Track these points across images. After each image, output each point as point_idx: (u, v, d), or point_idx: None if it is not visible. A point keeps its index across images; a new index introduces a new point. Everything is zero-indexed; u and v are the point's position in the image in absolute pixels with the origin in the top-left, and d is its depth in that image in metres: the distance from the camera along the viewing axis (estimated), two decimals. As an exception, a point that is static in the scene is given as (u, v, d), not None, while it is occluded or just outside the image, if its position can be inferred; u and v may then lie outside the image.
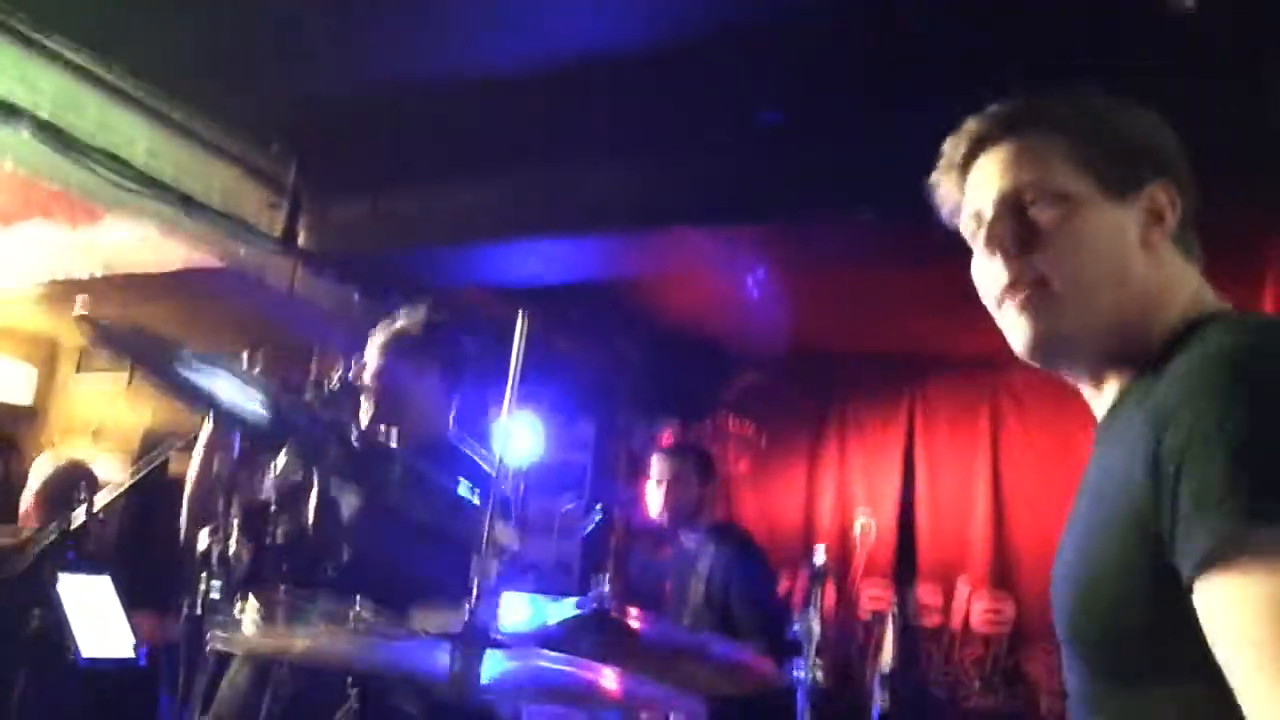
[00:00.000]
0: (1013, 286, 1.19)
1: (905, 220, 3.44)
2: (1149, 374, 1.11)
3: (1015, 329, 1.21)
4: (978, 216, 1.24)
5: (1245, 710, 0.91)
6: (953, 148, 1.28)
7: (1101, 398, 1.23)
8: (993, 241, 1.20)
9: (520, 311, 1.36)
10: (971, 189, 1.26)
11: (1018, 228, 1.18)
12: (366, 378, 2.67)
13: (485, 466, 2.63)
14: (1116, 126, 1.22)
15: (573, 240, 4.16)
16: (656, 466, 4.13)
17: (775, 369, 5.91)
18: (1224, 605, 0.92)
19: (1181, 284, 1.20)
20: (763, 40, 3.15)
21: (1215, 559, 0.92)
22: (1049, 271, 1.17)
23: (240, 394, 1.82)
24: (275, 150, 4.21)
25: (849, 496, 5.69)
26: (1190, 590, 0.95)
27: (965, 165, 1.27)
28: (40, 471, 4.03)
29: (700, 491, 4.06)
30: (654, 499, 4.09)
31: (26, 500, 4.14)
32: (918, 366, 5.54)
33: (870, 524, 5.30)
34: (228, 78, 3.75)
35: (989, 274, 1.22)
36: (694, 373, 6.10)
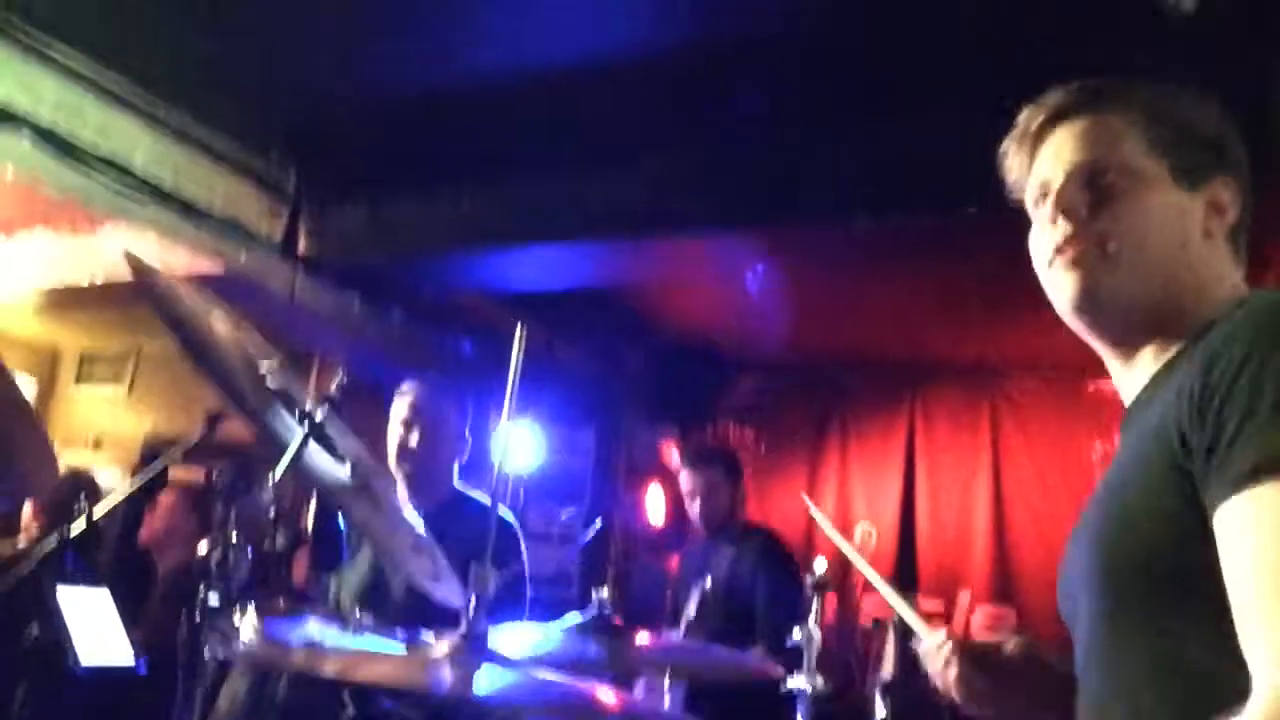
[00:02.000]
0: (1067, 242, 1.22)
1: (905, 225, 3.47)
2: (1189, 350, 1.14)
3: (1062, 283, 1.23)
4: (1045, 185, 1.26)
5: (1241, 632, 0.92)
6: (1029, 117, 1.31)
7: (1131, 373, 1.25)
8: (1060, 203, 1.22)
9: (519, 323, 1.36)
10: (1042, 159, 1.28)
11: (1087, 194, 1.22)
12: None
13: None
14: (1192, 118, 1.26)
15: (572, 247, 4.16)
16: (687, 480, 4.15)
17: (775, 376, 5.91)
18: (1245, 524, 0.94)
19: (1228, 279, 1.24)
20: (761, 45, 3.15)
21: (1243, 484, 0.95)
22: (1108, 233, 1.20)
23: (326, 455, 1.80)
24: (276, 157, 4.21)
25: (849, 504, 5.69)
26: (1214, 516, 0.97)
27: (1040, 135, 1.29)
28: None
29: (732, 496, 4.09)
30: (689, 510, 4.13)
31: (26, 511, 4.14)
32: (918, 374, 5.53)
33: (871, 532, 5.29)
34: (228, 85, 3.75)
35: (1047, 237, 1.24)
36: (694, 380, 6.10)
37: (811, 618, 2.80)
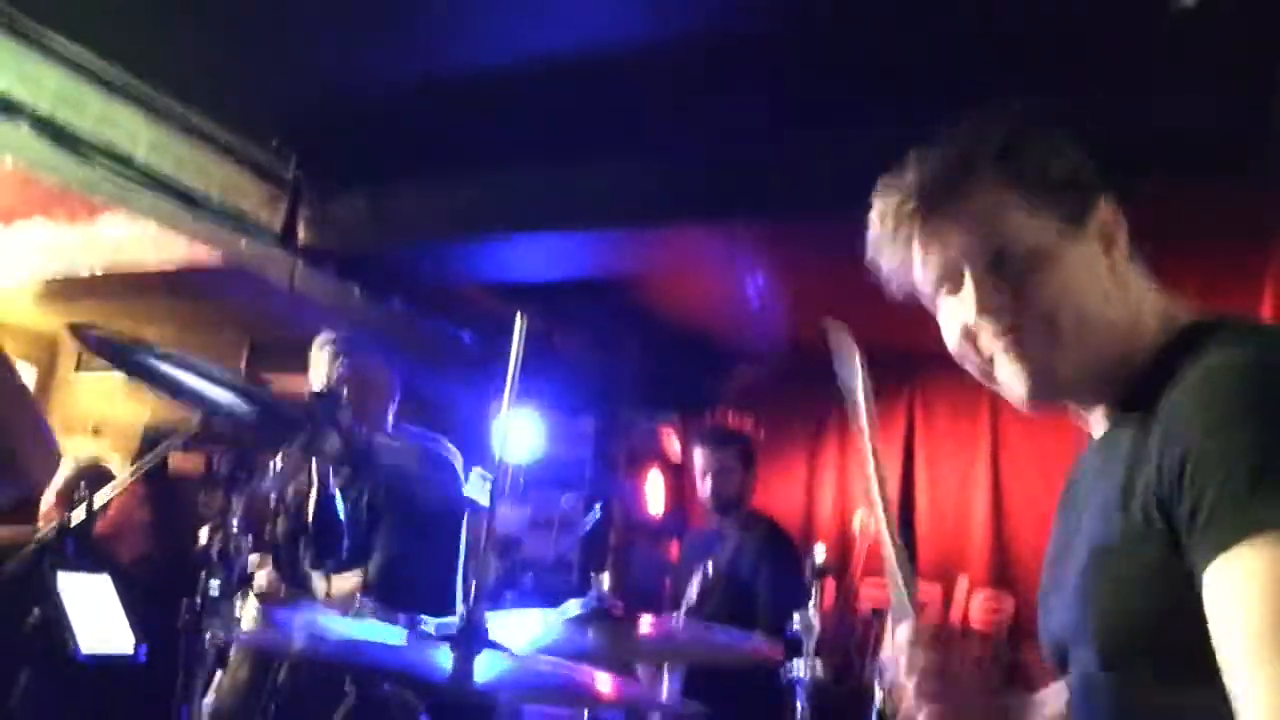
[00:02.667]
0: (1007, 336, 1.18)
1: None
2: (1146, 388, 1.12)
3: (1013, 385, 1.20)
4: (948, 279, 1.22)
5: (1232, 697, 0.93)
6: (891, 226, 1.25)
7: (1092, 416, 1.25)
8: (986, 300, 1.17)
9: (520, 313, 1.36)
10: (930, 258, 1.23)
11: (1002, 292, 1.17)
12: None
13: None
14: (1045, 162, 1.19)
15: (572, 236, 4.16)
16: (701, 458, 4.15)
17: (774, 364, 5.91)
18: (1229, 586, 0.95)
19: (1147, 299, 1.21)
20: (762, 36, 3.15)
21: (1225, 548, 0.95)
22: (1042, 325, 1.16)
23: (221, 390, 1.83)
24: (275, 146, 4.20)
25: (848, 492, 5.69)
26: (1200, 582, 0.98)
27: (910, 239, 1.24)
28: (61, 471, 4.03)
29: (742, 480, 4.10)
30: (699, 489, 4.14)
31: (48, 500, 4.16)
32: (917, 361, 5.53)
33: (870, 520, 5.30)
34: (228, 74, 3.75)
35: (981, 341, 1.20)
36: (693, 368, 6.11)
37: (811, 605, 2.82)
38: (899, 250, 1.25)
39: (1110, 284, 1.18)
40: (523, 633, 1.96)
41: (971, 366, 1.24)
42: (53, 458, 1.38)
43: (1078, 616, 1.15)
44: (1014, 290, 1.17)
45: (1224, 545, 0.95)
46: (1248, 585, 0.93)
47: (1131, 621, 1.08)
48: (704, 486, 4.12)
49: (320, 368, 3.00)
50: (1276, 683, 0.90)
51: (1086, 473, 1.28)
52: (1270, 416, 0.97)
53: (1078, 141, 1.23)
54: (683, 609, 3.94)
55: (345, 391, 2.67)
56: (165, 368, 1.79)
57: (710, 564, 3.97)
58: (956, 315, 1.22)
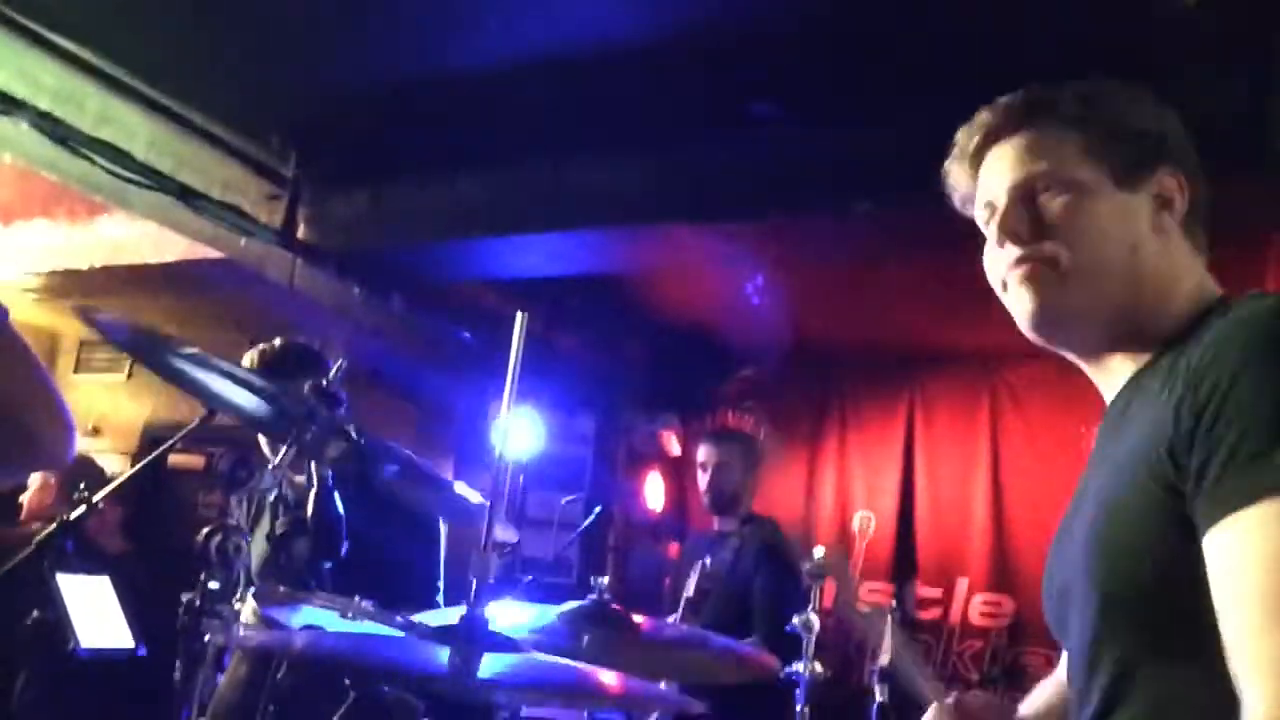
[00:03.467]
0: (1019, 261, 1.21)
1: (903, 213, 3.47)
2: (1169, 353, 1.12)
3: (1019, 302, 1.23)
4: (990, 206, 1.26)
5: (1231, 663, 0.91)
6: (965, 138, 1.30)
7: (1110, 378, 1.24)
8: (1004, 229, 1.22)
9: (520, 311, 1.36)
10: (984, 179, 1.28)
11: (1030, 216, 1.20)
12: None
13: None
14: (1126, 115, 1.24)
15: (572, 235, 4.15)
16: (703, 450, 4.14)
17: (775, 364, 5.91)
18: (1236, 547, 0.93)
19: (1189, 272, 1.22)
20: (762, 35, 3.14)
21: (1236, 506, 0.93)
22: (1059, 253, 1.18)
23: (235, 387, 1.83)
24: (275, 143, 4.20)
25: (848, 491, 5.69)
26: (1204, 538, 0.96)
27: (978, 155, 1.29)
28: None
29: (743, 480, 4.07)
30: (699, 483, 4.12)
31: (42, 496, 4.16)
32: (917, 362, 5.54)
33: (869, 519, 5.30)
34: (228, 71, 3.74)
35: (999, 259, 1.24)
36: (693, 367, 6.10)
37: (810, 605, 2.81)
38: (968, 168, 1.30)
39: (1150, 243, 1.19)
40: (518, 621, 1.96)
41: (995, 285, 1.27)
42: (67, 432, 1.37)
43: (1079, 577, 1.13)
44: (1040, 221, 1.20)
45: (1235, 504, 0.93)
46: (1257, 547, 0.91)
47: (1130, 584, 1.06)
48: (702, 481, 4.10)
49: None
50: None
51: (1101, 434, 1.26)
52: None
53: (1176, 118, 1.26)
54: (679, 610, 3.95)
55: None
56: (169, 357, 1.78)
57: (708, 563, 3.97)
58: (991, 244, 1.27)
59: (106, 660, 2.93)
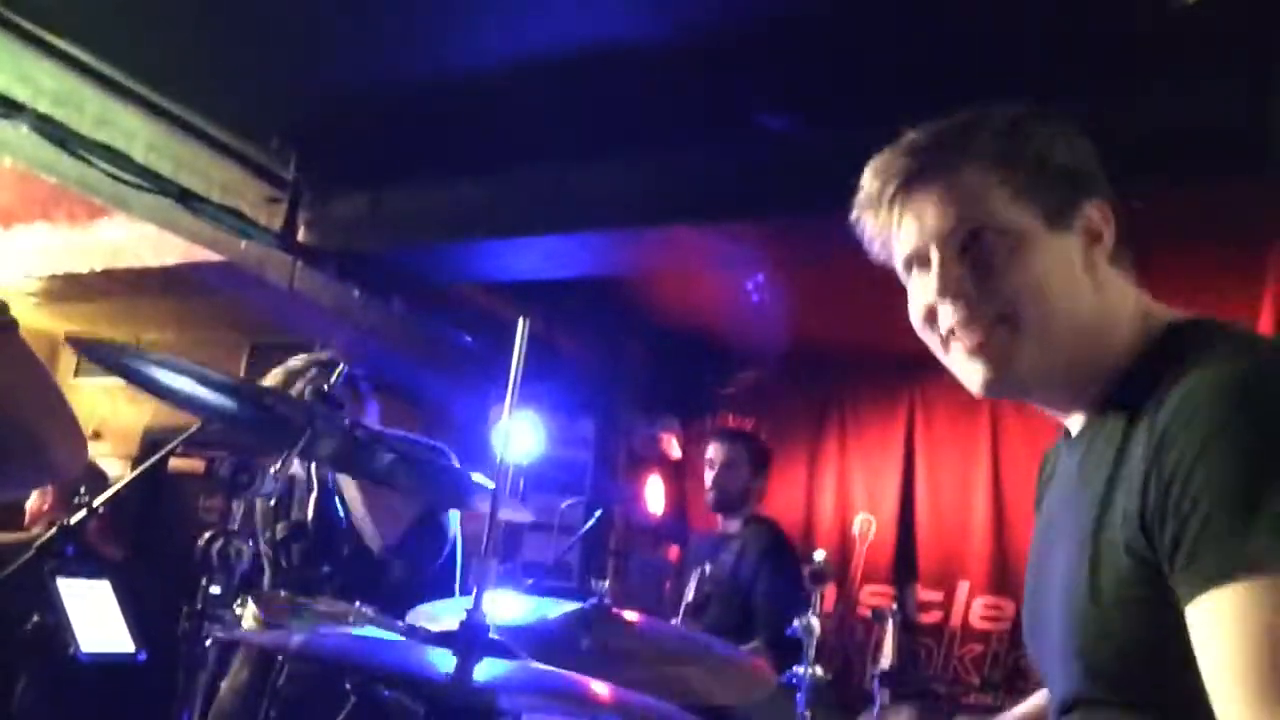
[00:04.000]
0: (966, 327, 1.15)
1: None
2: (1126, 390, 1.10)
3: (967, 371, 1.17)
4: (916, 254, 1.19)
5: None
6: (877, 183, 1.21)
7: (1067, 417, 1.23)
8: (947, 290, 1.14)
9: (522, 316, 1.36)
10: (905, 229, 1.19)
11: (972, 272, 1.14)
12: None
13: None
14: (1050, 150, 1.17)
15: (573, 237, 4.15)
16: (712, 448, 4.17)
17: (775, 367, 5.90)
18: (1217, 627, 0.92)
19: (1125, 301, 1.17)
20: (763, 36, 3.14)
21: (1209, 587, 0.92)
22: (1004, 310, 1.13)
23: (217, 394, 1.84)
24: (275, 145, 4.20)
25: (849, 494, 5.69)
26: (1185, 615, 0.95)
27: (894, 202, 1.20)
28: None
29: (749, 481, 4.08)
30: (705, 480, 4.14)
31: (35, 502, 4.15)
32: (917, 364, 5.50)
33: (870, 522, 5.30)
34: (228, 73, 3.74)
35: (940, 318, 1.17)
36: (694, 370, 6.10)
37: (811, 608, 2.81)
38: (882, 215, 1.22)
39: (1086, 284, 1.14)
40: (514, 613, 1.96)
41: (933, 346, 1.22)
42: (78, 444, 1.36)
43: (1059, 633, 1.11)
44: (981, 276, 1.13)
45: (1212, 581, 0.92)
46: (1237, 628, 0.90)
47: (1110, 647, 1.04)
48: (708, 478, 4.11)
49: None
50: None
51: (1061, 476, 1.24)
52: (1262, 439, 0.93)
53: (1089, 142, 1.21)
54: (680, 613, 3.94)
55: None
56: (160, 373, 1.78)
57: (709, 566, 3.97)
58: (921, 293, 1.20)
59: (106, 665, 2.93)
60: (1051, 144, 1.18)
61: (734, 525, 4.06)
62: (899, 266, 1.23)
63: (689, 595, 4.00)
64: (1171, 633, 0.96)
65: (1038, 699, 1.45)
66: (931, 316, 1.19)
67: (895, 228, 1.20)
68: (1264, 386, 0.97)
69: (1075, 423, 1.21)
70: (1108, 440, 1.10)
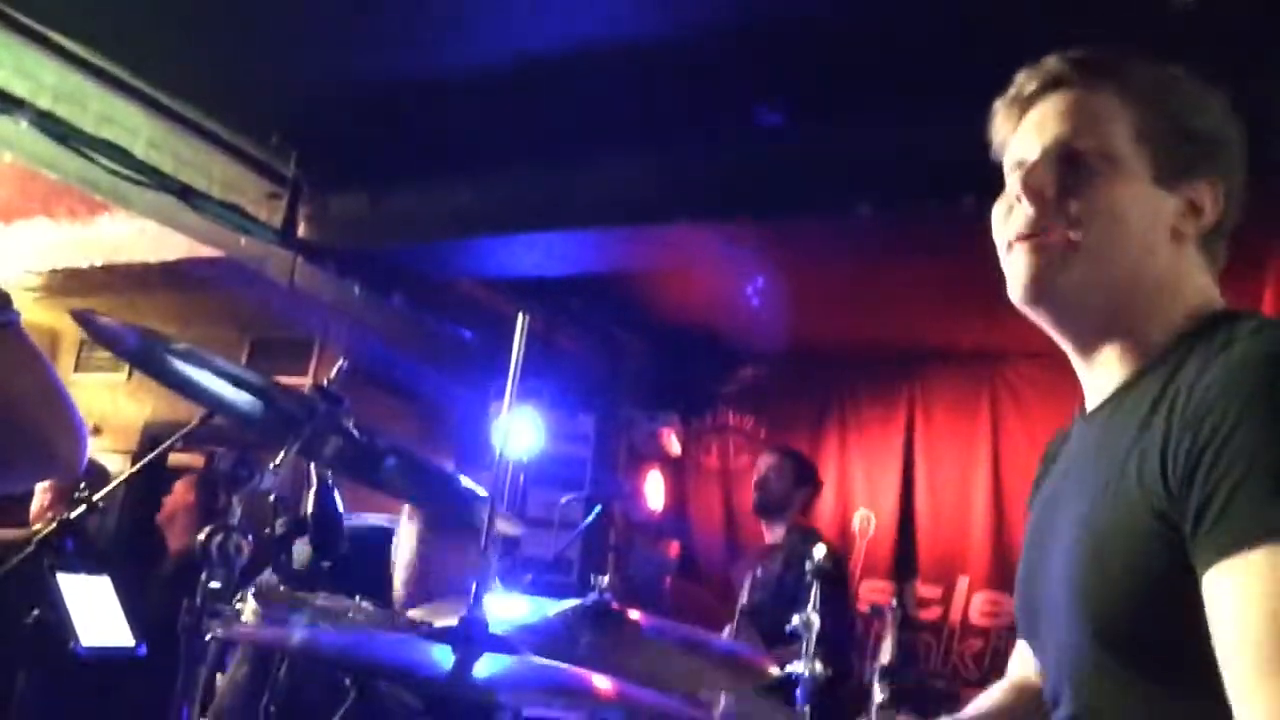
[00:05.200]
0: (1029, 227, 1.15)
1: (904, 214, 3.47)
2: (1161, 368, 1.09)
3: (1017, 267, 1.17)
4: (1022, 156, 1.20)
5: (1233, 704, 0.90)
6: (1023, 81, 1.23)
7: (1095, 374, 1.20)
8: (1028, 184, 1.16)
9: (521, 312, 1.36)
10: (1025, 128, 1.21)
11: (1059, 177, 1.15)
12: None
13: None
14: (1190, 110, 1.18)
15: (573, 234, 4.16)
16: (760, 459, 4.47)
17: (775, 364, 5.91)
18: (1236, 592, 0.91)
19: (1195, 282, 1.17)
20: (762, 34, 3.14)
21: (1236, 549, 0.91)
22: (1073, 221, 1.13)
23: (233, 388, 1.83)
24: (275, 142, 4.20)
25: (849, 490, 5.70)
26: (1203, 578, 0.94)
27: (1029, 101, 1.22)
28: None
29: (791, 491, 4.30)
30: (752, 486, 4.42)
31: (40, 500, 4.15)
32: (917, 361, 5.54)
33: (870, 518, 5.31)
34: (228, 71, 3.74)
35: (1012, 214, 1.18)
36: (694, 367, 6.11)
37: (811, 604, 2.81)
38: (1015, 112, 1.23)
39: (1165, 246, 1.14)
40: (513, 615, 1.96)
41: (999, 245, 1.21)
42: (81, 439, 1.36)
43: (1063, 599, 1.10)
44: (1066, 188, 1.14)
45: (1235, 547, 0.91)
46: (1257, 593, 0.89)
47: (1119, 612, 1.03)
48: (753, 482, 4.39)
49: None
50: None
51: (1072, 453, 1.23)
52: None
53: (1242, 126, 1.22)
54: (735, 620, 4.01)
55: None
56: (168, 359, 1.78)
57: (759, 571, 4.11)
58: (1008, 192, 1.21)
59: (106, 659, 2.93)
60: (1196, 106, 1.18)
61: (778, 533, 4.18)
62: (1007, 167, 1.23)
63: (743, 599, 4.13)
64: (1183, 598, 0.95)
65: (1000, 698, 1.44)
66: (1007, 211, 1.19)
67: (1020, 126, 1.22)
68: None
69: (1096, 393, 1.19)
70: (1133, 407, 1.09)
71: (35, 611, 2.73)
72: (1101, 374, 1.18)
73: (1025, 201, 1.16)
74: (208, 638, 1.68)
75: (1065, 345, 1.22)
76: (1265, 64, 2.85)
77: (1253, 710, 0.89)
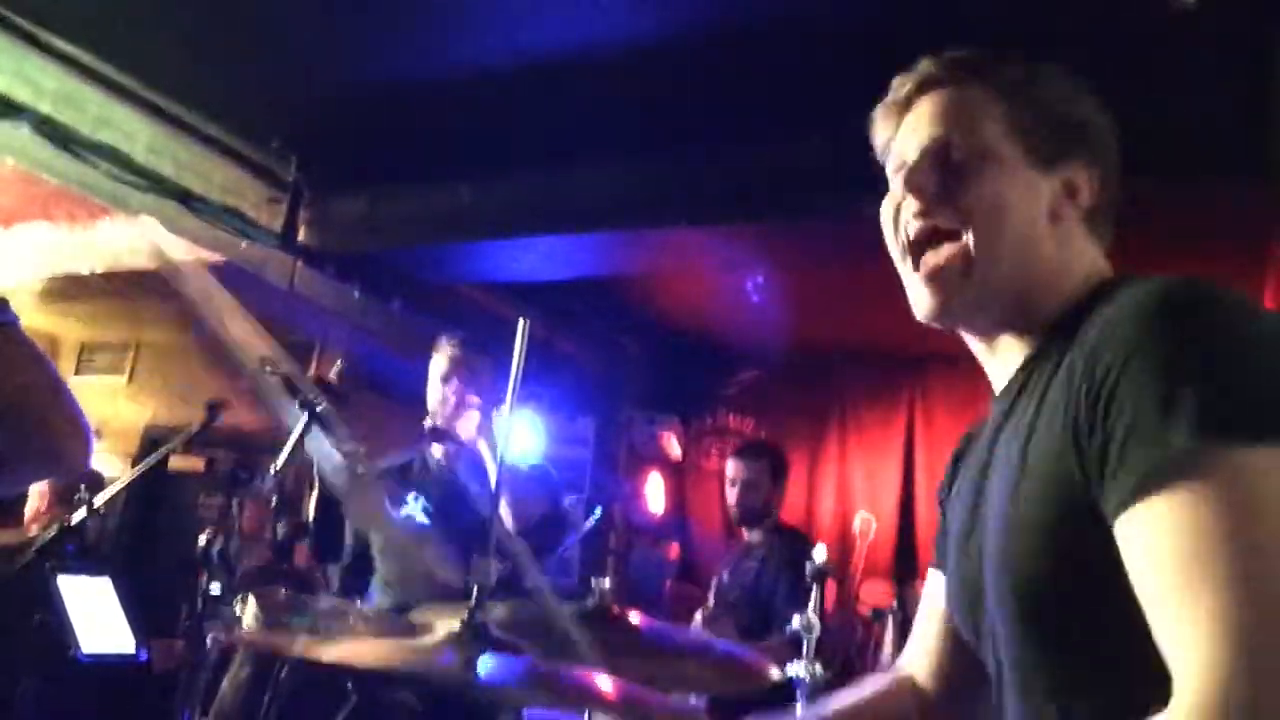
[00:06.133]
0: (920, 245, 1.19)
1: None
2: (1058, 338, 1.10)
3: (917, 294, 1.21)
4: (901, 157, 1.24)
5: (1161, 645, 0.88)
6: (898, 85, 1.29)
7: (998, 362, 1.22)
8: (912, 182, 1.19)
9: (522, 317, 1.36)
10: (904, 131, 1.26)
11: (940, 174, 1.18)
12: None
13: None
14: (1057, 99, 1.22)
15: (573, 238, 4.16)
16: (732, 465, 4.27)
17: (775, 366, 5.91)
18: (1146, 532, 0.90)
19: (1083, 257, 1.19)
20: (758, 35, 3.15)
21: (1135, 491, 0.90)
22: (957, 217, 1.16)
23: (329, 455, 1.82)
24: (275, 146, 4.20)
25: (849, 492, 5.70)
26: (1115, 524, 0.93)
27: (906, 104, 1.27)
28: None
29: (770, 494, 4.19)
30: (727, 496, 4.25)
31: (35, 503, 4.15)
32: (917, 362, 5.54)
33: (870, 520, 5.31)
34: (228, 74, 3.75)
35: (900, 214, 1.22)
36: (694, 369, 6.11)
37: (811, 606, 2.82)
38: (892, 117, 1.29)
39: (1046, 229, 1.17)
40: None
41: (895, 257, 1.25)
42: (85, 439, 1.37)
43: (996, 579, 1.09)
44: (944, 180, 1.18)
45: (1133, 489, 0.91)
46: (1160, 528, 0.89)
47: (1048, 579, 1.02)
48: (730, 495, 4.22)
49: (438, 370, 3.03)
50: (1214, 615, 0.84)
51: (993, 428, 1.22)
52: (1179, 347, 0.93)
53: (1109, 118, 1.24)
54: (698, 615, 3.99)
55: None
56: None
57: (726, 575, 4.06)
58: (893, 193, 1.25)
59: (107, 664, 2.93)
60: (1064, 96, 1.22)
61: (757, 535, 4.14)
62: (891, 169, 1.27)
63: (709, 602, 4.09)
64: (1107, 562, 0.94)
65: (869, 696, 1.44)
66: (895, 215, 1.23)
67: (899, 129, 1.27)
68: (1184, 295, 0.98)
69: (1004, 368, 1.21)
70: (1037, 378, 1.11)
71: (37, 617, 2.73)
72: (1006, 357, 1.21)
73: (910, 199, 1.20)
74: (208, 640, 1.68)
75: (968, 339, 1.26)
76: (1265, 64, 2.85)
77: (1174, 635, 0.87)
